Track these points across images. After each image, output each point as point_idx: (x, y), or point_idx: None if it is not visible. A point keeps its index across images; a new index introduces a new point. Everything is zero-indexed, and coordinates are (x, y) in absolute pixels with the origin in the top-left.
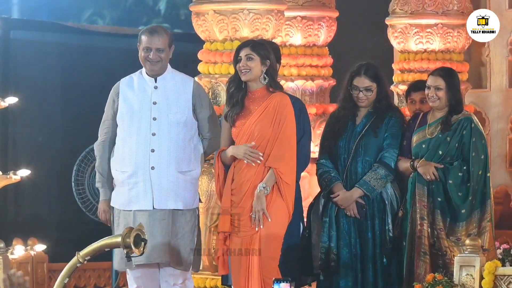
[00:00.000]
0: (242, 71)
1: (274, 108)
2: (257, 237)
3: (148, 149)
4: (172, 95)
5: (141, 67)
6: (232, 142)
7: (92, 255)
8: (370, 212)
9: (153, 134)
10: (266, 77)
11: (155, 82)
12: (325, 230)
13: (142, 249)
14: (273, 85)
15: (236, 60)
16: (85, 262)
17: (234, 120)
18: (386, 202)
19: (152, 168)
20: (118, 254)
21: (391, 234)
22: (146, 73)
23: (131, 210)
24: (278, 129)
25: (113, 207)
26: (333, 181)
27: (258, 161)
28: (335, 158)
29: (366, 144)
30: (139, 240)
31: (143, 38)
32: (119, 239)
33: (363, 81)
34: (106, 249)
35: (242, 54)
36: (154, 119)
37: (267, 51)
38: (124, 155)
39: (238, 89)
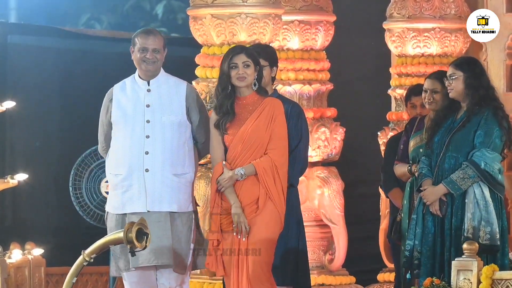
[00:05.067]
0: (240, 78)
1: (269, 113)
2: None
3: (142, 151)
4: (165, 98)
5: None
6: (225, 150)
7: (97, 252)
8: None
9: (147, 137)
10: (256, 83)
11: (148, 85)
12: (412, 227)
13: (145, 243)
14: (260, 90)
15: (229, 66)
16: (92, 260)
17: (226, 128)
18: (466, 201)
19: (146, 170)
20: (113, 260)
21: (465, 234)
22: (139, 77)
23: (124, 214)
24: (272, 131)
25: (107, 212)
26: (423, 178)
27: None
28: (432, 154)
29: (457, 139)
30: (141, 235)
31: (139, 39)
32: (121, 235)
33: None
34: (110, 245)
35: (238, 61)
36: (148, 121)
37: (257, 56)
38: (118, 157)
39: (228, 96)
